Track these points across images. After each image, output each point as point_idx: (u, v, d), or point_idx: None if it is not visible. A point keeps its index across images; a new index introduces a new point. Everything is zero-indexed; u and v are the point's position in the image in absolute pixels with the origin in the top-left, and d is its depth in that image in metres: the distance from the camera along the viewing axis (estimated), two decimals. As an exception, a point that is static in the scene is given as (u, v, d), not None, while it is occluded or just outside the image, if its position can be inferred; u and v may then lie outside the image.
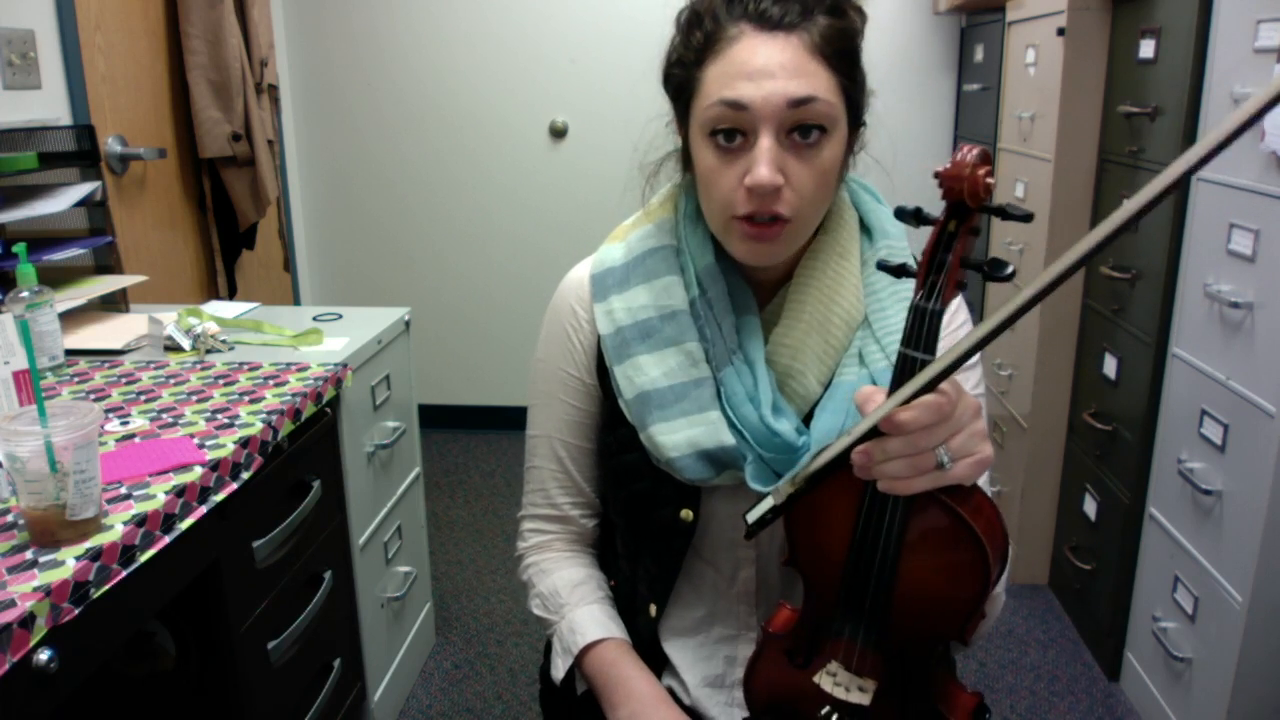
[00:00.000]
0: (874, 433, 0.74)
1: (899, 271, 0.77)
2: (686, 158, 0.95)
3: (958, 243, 0.73)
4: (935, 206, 0.75)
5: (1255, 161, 1.54)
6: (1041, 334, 2.29)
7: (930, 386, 0.71)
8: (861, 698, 0.86)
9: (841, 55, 0.85)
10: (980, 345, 0.68)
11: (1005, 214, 0.71)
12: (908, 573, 0.81)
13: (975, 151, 0.70)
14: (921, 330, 0.74)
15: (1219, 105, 1.66)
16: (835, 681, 0.87)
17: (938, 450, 0.73)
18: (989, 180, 0.70)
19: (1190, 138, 1.75)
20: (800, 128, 0.83)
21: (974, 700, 0.88)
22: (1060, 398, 2.32)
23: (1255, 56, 1.55)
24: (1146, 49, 1.90)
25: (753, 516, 0.83)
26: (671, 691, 1.04)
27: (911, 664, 0.86)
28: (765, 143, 0.83)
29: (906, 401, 0.71)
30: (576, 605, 1.03)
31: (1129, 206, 0.61)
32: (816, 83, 0.83)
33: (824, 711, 0.89)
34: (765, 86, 0.82)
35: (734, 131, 0.84)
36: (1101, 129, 2.15)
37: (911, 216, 0.75)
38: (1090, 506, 2.16)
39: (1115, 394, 2.06)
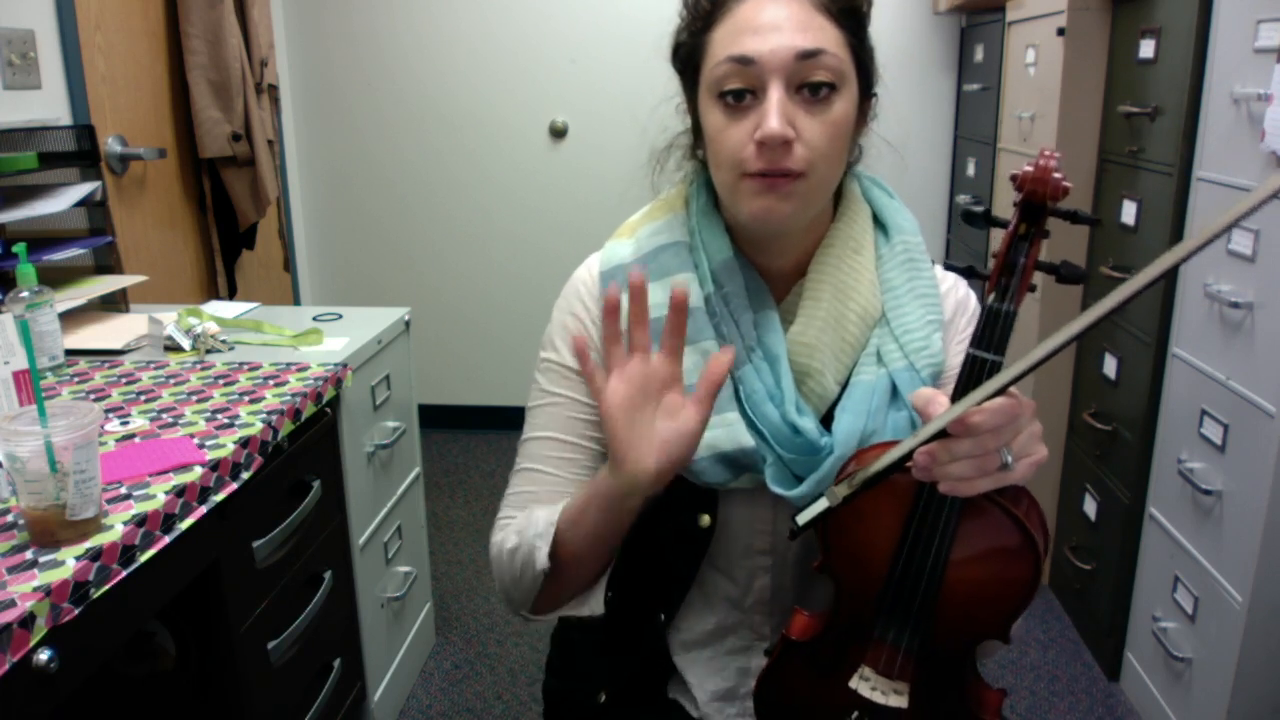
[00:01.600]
0: (938, 435, 0.74)
1: (967, 273, 0.79)
2: (697, 137, 0.94)
3: (1032, 245, 0.75)
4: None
5: (1255, 161, 1.54)
6: (1041, 333, 2.29)
7: (1003, 389, 0.71)
8: (899, 701, 0.86)
9: (848, 13, 0.85)
10: (1060, 349, 0.70)
11: (1076, 218, 0.74)
12: (958, 575, 0.81)
13: (1056, 157, 0.73)
14: (994, 332, 0.75)
15: (1219, 105, 1.66)
16: (871, 686, 0.87)
17: (1001, 451, 0.73)
18: (1066, 184, 0.73)
19: (1190, 138, 1.75)
20: (810, 85, 0.83)
21: (999, 698, 0.89)
22: (1060, 398, 2.32)
23: (1255, 56, 1.55)
24: (1146, 49, 1.90)
25: (804, 519, 0.81)
26: (678, 703, 1.03)
27: (947, 665, 0.87)
28: (775, 95, 0.82)
29: (979, 403, 0.72)
30: (550, 509, 0.93)
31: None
32: (824, 36, 0.83)
33: (853, 717, 0.89)
34: (772, 40, 0.82)
35: (742, 91, 0.84)
36: (1101, 129, 2.15)
37: (982, 219, 0.77)
38: (1090, 506, 2.16)
39: (1115, 394, 2.06)
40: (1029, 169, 0.74)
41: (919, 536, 0.81)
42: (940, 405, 0.74)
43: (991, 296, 0.75)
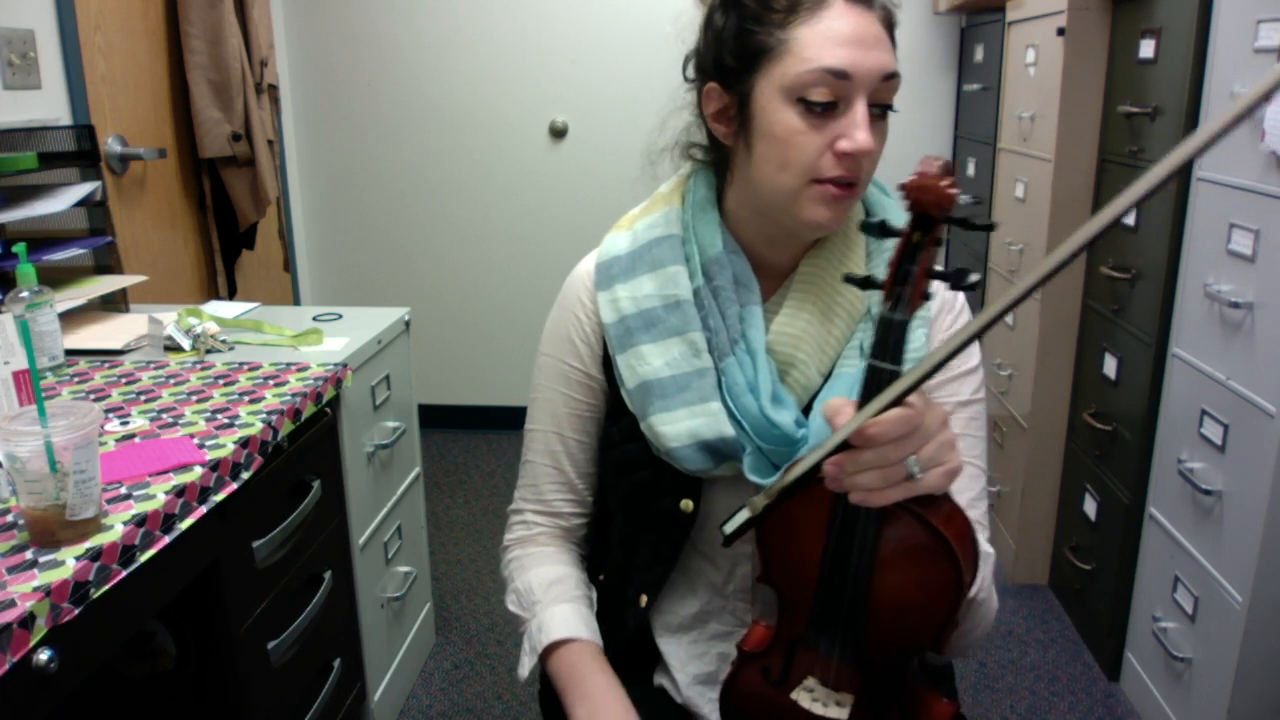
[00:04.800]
0: (845, 445, 0.73)
1: (865, 284, 0.77)
2: (742, 119, 0.90)
3: (923, 254, 0.73)
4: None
5: (1255, 161, 1.54)
6: (1041, 334, 2.29)
7: (900, 399, 0.70)
8: (840, 712, 0.86)
9: (893, 39, 0.88)
10: (952, 355, 0.67)
11: (968, 225, 0.72)
12: (882, 584, 0.81)
13: (939, 164, 0.70)
14: (888, 341, 0.74)
15: (1219, 105, 1.66)
16: (813, 698, 0.88)
17: (908, 461, 0.73)
18: (952, 191, 0.70)
19: (1190, 138, 1.75)
20: (881, 105, 0.86)
21: (950, 709, 0.88)
22: (1060, 398, 2.32)
23: (1255, 56, 1.54)
24: (1146, 49, 1.90)
25: (729, 528, 0.82)
26: (663, 690, 1.05)
27: (887, 676, 0.86)
28: (862, 109, 0.84)
29: (878, 414, 0.71)
30: (549, 604, 1.01)
31: (1115, 205, 0.60)
32: (894, 58, 0.86)
33: None
34: (869, 57, 0.83)
35: (831, 102, 0.85)
36: (1101, 129, 2.15)
37: (877, 229, 0.75)
38: (1090, 506, 2.16)
39: (1115, 394, 2.06)
40: (913, 178, 0.71)
41: (840, 546, 0.81)
42: (845, 415, 0.74)
43: (886, 305, 0.74)
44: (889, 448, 0.72)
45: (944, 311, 0.99)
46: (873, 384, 0.74)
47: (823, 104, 0.84)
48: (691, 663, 1.04)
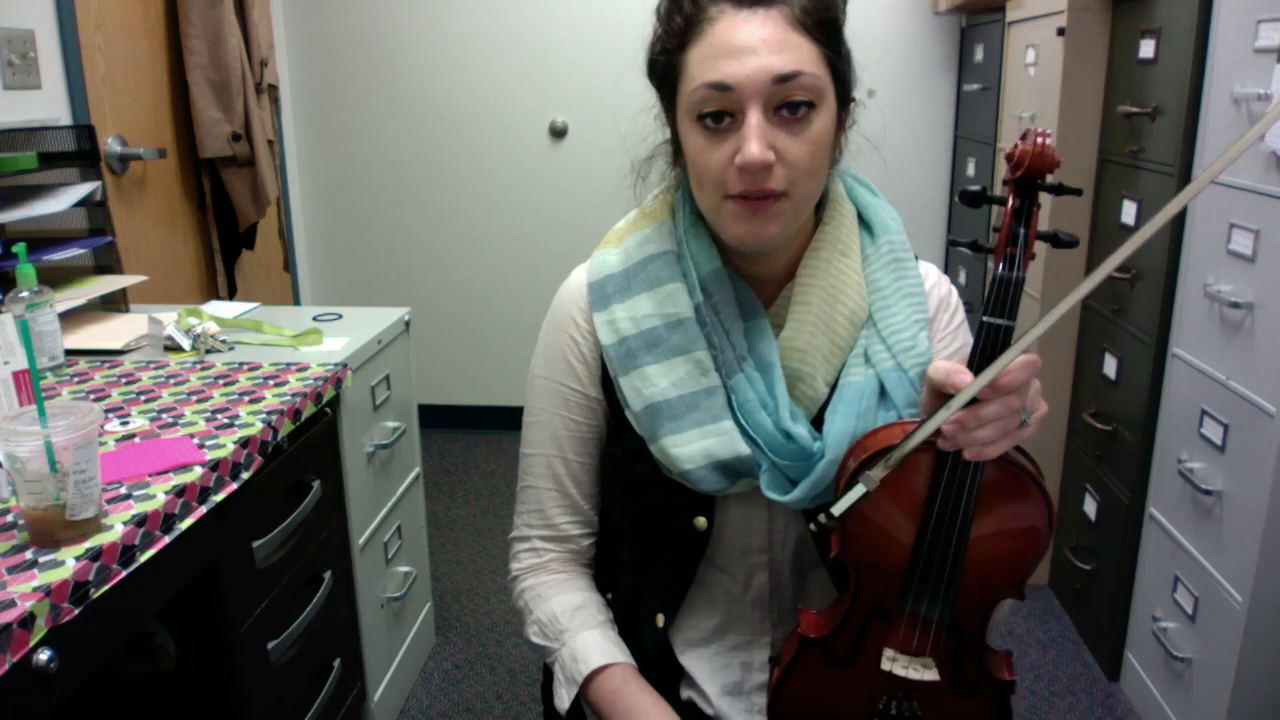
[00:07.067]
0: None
1: (972, 247, 0.83)
2: (677, 148, 0.93)
3: (1031, 217, 0.80)
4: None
5: (1255, 161, 1.54)
6: (1041, 333, 2.28)
7: (1026, 349, 0.75)
8: (932, 674, 0.88)
9: (823, 27, 0.84)
10: (1068, 306, 0.74)
11: (1061, 190, 0.80)
12: (981, 536, 0.84)
13: (1051, 136, 0.78)
14: (1006, 298, 0.79)
15: (1219, 105, 1.66)
16: (903, 665, 0.88)
17: (1020, 410, 0.77)
18: (1059, 159, 0.78)
19: (1190, 138, 1.75)
20: (788, 104, 0.83)
21: (1009, 656, 0.93)
22: (1060, 398, 2.32)
23: (1255, 56, 1.55)
24: (1146, 49, 1.90)
25: (840, 509, 0.81)
26: (692, 703, 1.03)
27: (966, 631, 0.89)
28: (754, 119, 0.82)
29: (1008, 364, 0.75)
30: (577, 631, 0.99)
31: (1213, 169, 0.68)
32: (800, 56, 0.82)
33: (881, 704, 0.91)
34: (749, 64, 0.81)
35: (721, 113, 0.83)
36: (1101, 129, 2.15)
37: (979, 198, 0.82)
38: (1090, 506, 2.16)
39: (1115, 394, 2.06)
40: (1028, 147, 0.78)
41: (945, 507, 0.82)
42: (966, 375, 0.77)
43: (1000, 267, 0.79)
44: (1013, 397, 0.76)
45: (941, 310, 0.99)
46: (990, 340, 0.79)
47: (714, 119, 0.83)
48: (716, 674, 1.02)
